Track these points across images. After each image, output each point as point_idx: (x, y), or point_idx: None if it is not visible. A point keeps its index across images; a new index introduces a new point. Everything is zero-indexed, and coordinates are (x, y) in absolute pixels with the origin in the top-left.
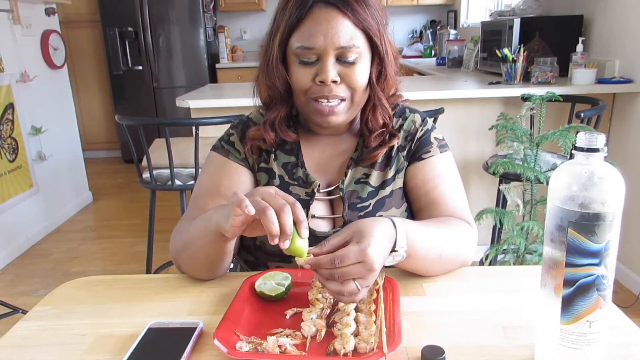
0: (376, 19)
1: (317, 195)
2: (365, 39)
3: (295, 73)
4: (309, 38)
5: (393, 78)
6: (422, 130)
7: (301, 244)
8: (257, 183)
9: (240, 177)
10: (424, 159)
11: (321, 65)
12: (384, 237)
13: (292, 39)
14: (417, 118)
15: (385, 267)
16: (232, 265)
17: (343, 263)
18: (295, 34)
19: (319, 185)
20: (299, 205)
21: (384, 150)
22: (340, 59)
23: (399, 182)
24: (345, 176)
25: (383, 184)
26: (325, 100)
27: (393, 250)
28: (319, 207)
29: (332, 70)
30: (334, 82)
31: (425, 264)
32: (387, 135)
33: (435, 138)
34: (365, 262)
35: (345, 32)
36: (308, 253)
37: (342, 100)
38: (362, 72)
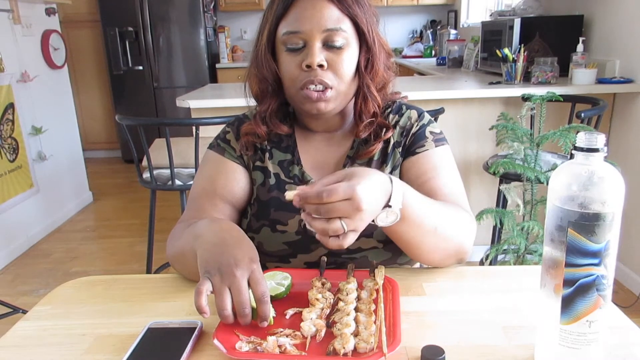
0: (364, 9)
1: None
2: (352, 25)
3: (283, 61)
4: (294, 23)
5: (382, 69)
6: (417, 125)
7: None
8: (252, 181)
9: (236, 176)
10: (418, 153)
11: (308, 50)
12: (377, 183)
13: (280, 27)
14: (414, 114)
15: (381, 242)
16: None
17: (330, 198)
18: (282, 23)
19: None
20: (263, 286)
21: (379, 146)
22: (327, 44)
23: None
24: None
25: None
26: (313, 85)
27: (387, 205)
28: None
29: (318, 54)
30: (321, 66)
31: (420, 234)
32: (383, 130)
33: (431, 132)
34: (353, 200)
35: (331, 16)
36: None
37: (330, 88)
38: (349, 59)
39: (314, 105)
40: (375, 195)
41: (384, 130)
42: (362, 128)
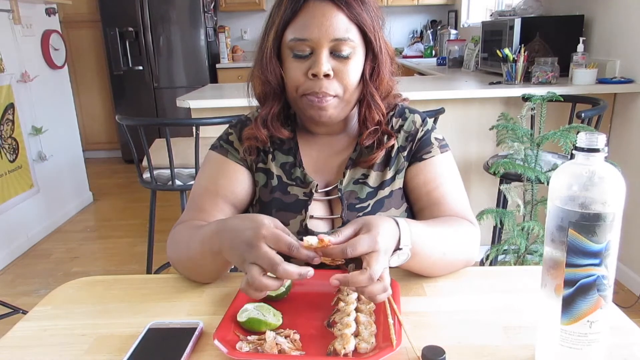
0: (371, 15)
1: (316, 196)
2: (359, 34)
3: (289, 67)
4: (303, 30)
5: (387, 77)
6: (422, 130)
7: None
8: (255, 183)
9: (239, 177)
10: (425, 159)
11: (315, 58)
12: (390, 232)
13: (287, 32)
14: (417, 118)
15: (391, 267)
16: (232, 266)
17: (355, 252)
18: (290, 27)
19: (317, 185)
20: (282, 242)
21: (381, 154)
22: (334, 53)
23: (398, 183)
24: (344, 176)
25: (382, 185)
26: (317, 96)
27: (397, 249)
28: (317, 208)
29: (325, 63)
30: (327, 76)
31: (430, 264)
32: (385, 137)
33: (436, 138)
34: (376, 251)
35: (339, 25)
36: (321, 240)
37: (333, 96)
38: (355, 68)
39: (317, 112)
40: (390, 243)
41: (387, 137)
42: (366, 136)
